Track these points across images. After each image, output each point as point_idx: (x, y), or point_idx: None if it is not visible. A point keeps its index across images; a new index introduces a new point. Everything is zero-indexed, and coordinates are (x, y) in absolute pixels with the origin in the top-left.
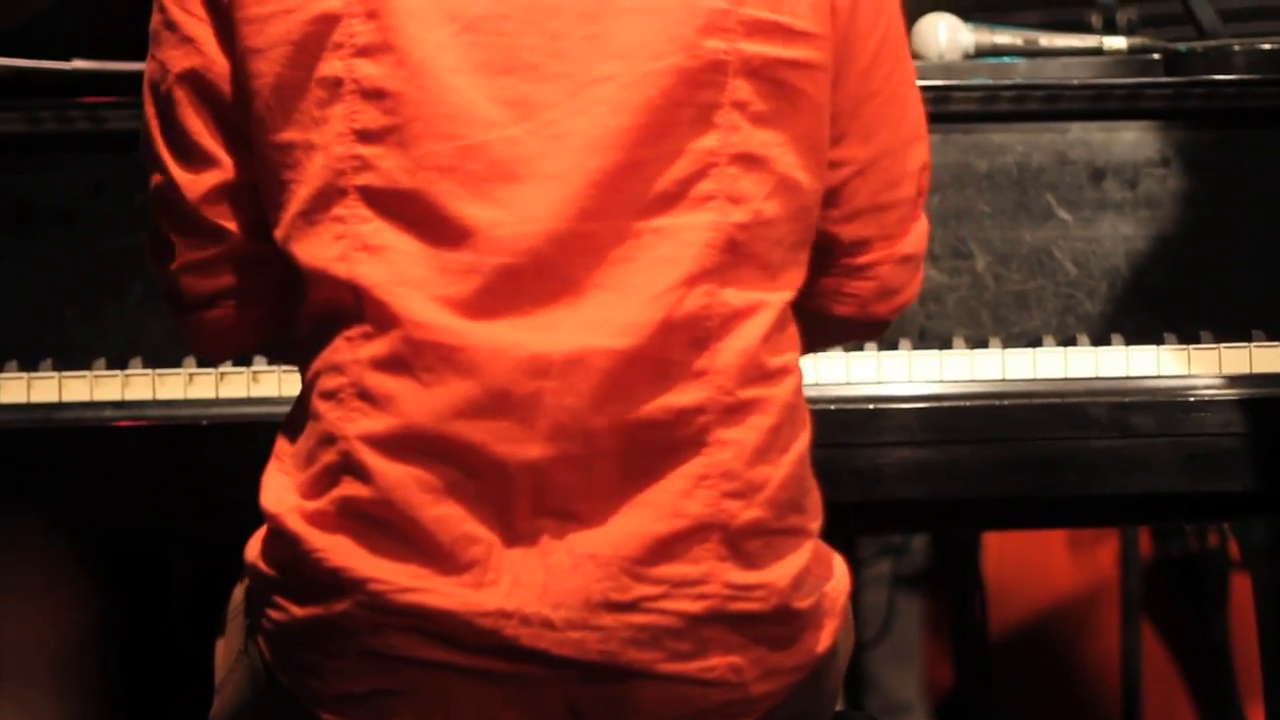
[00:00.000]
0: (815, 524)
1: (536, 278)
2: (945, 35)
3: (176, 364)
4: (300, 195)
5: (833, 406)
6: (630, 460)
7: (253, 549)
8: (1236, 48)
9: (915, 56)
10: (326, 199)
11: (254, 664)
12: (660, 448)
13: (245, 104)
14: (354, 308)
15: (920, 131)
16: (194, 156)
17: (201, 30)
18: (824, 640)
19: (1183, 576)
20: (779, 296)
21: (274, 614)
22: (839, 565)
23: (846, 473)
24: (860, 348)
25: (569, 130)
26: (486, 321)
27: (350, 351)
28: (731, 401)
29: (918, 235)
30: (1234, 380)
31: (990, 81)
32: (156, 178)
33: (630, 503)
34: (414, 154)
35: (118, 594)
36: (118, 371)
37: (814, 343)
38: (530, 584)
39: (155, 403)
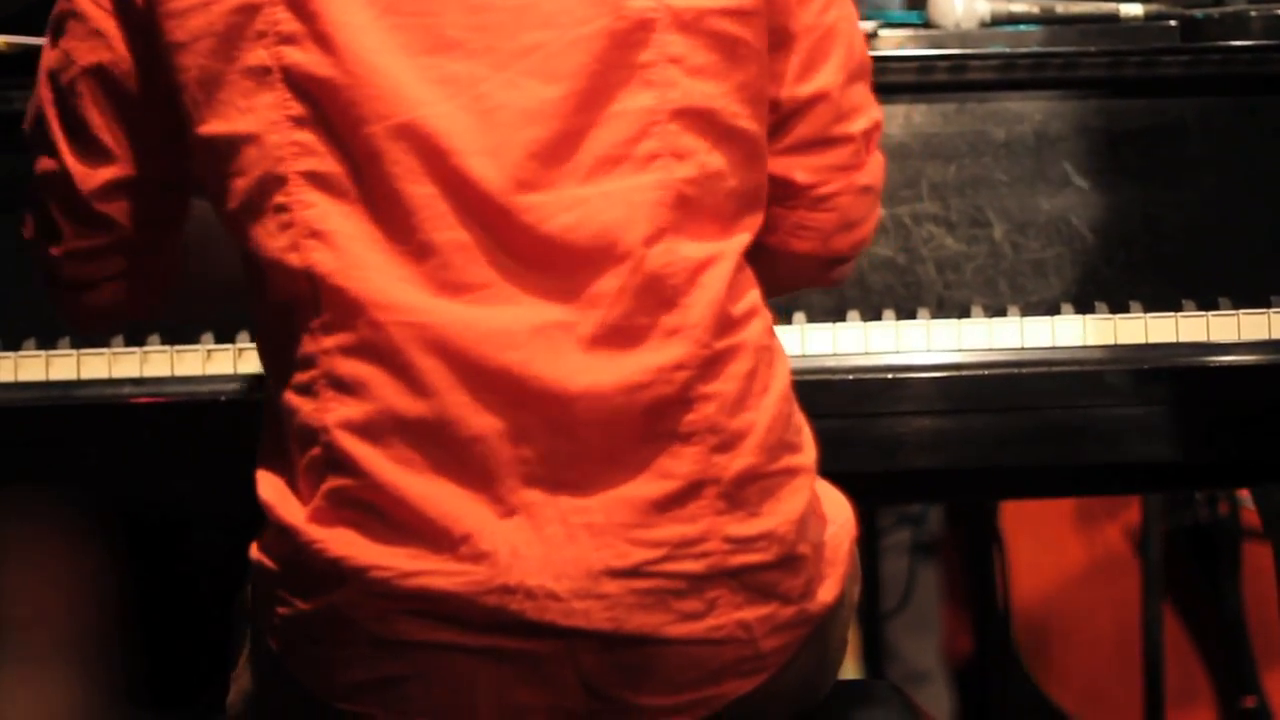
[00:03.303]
0: (809, 458)
1: (490, 251)
2: (962, 3)
3: (194, 340)
4: (239, 187)
5: (851, 376)
6: (615, 426)
7: (255, 546)
8: (1253, 13)
9: (932, 25)
10: (266, 188)
11: (265, 657)
12: (644, 410)
13: (168, 99)
14: (311, 297)
15: (865, 68)
16: (91, 150)
17: (111, 25)
18: (830, 589)
19: (1195, 546)
20: (734, 244)
21: (280, 609)
22: (843, 508)
23: (865, 442)
24: (878, 317)
25: (501, 103)
26: (448, 299)
27: (315, 343)
28: (709, 354)
29: (874, 168)
30: (1253, 346)
31: (1007, 49)
32: (48, 162)
33: (620, 468)
34: (350, 137)
35: (137, 572)
36: (136, 348)
37: (774, 285)
38: (530, 556)
39: (173, 379)
